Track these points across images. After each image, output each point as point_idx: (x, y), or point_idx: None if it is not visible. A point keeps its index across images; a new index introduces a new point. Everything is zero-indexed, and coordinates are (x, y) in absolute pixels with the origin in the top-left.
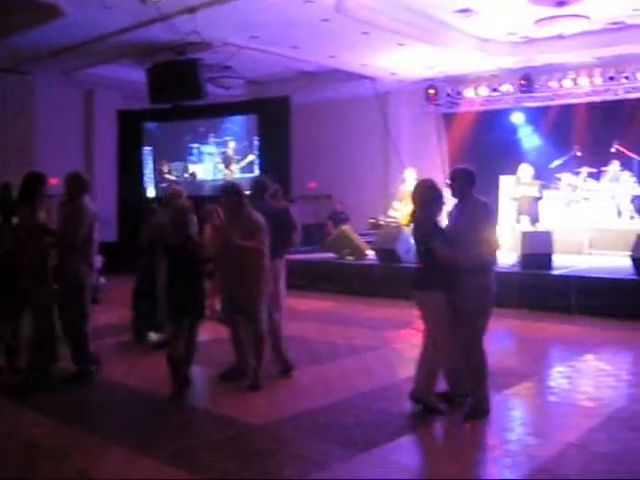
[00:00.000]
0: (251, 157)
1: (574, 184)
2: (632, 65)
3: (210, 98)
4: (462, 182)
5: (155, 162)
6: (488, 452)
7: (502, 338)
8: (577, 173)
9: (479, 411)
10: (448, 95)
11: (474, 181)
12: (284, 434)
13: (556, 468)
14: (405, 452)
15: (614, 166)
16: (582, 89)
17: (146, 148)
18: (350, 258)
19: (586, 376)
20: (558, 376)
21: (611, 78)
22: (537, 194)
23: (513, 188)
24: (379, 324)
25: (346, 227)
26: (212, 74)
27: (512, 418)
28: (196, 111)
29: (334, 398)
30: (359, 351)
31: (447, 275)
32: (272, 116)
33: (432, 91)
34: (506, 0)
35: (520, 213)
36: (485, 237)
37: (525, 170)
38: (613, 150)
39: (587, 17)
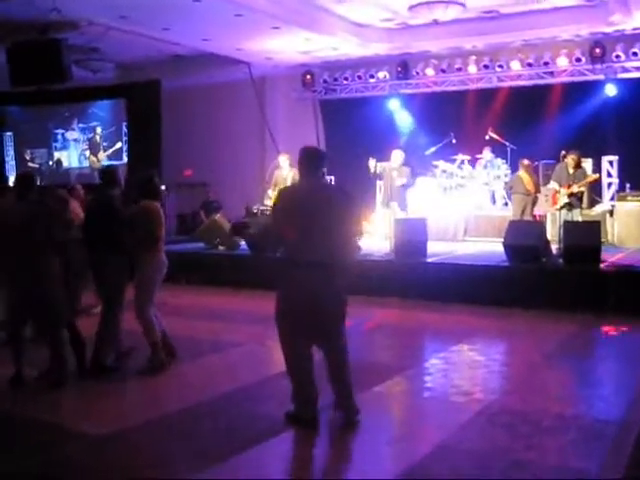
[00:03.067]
0: (119, 144)
1: (449, 171)
2: (506, 54)
3: (78, 82)
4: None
5: (16, 149)
6: (352, 458)
7: (375, 329)
8: (452, 160)
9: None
10: (325, 81)
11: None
12: (131, 445)
13: (424, 470)
14: (263, 461)
15: (488, 153)
16: (458, 77)
17: (7, 134)
18: (222, 248)
19: (458, 369)
20: (430, 369)
21: (486, 66)
22: (405, 181)
23: (385, 174)
24: (247, 318)
25: (218, 216)
26: (79, 56)
27: (380, 418)
28: (61, 95)
29: (193, 401)
30: (224, 348)
31: None
32: (142, 101)
33: (308, 77)
34: None
35: (389, 199)
36: None
37: (396, 156)
38: (487, 137)
39: (463, 4)
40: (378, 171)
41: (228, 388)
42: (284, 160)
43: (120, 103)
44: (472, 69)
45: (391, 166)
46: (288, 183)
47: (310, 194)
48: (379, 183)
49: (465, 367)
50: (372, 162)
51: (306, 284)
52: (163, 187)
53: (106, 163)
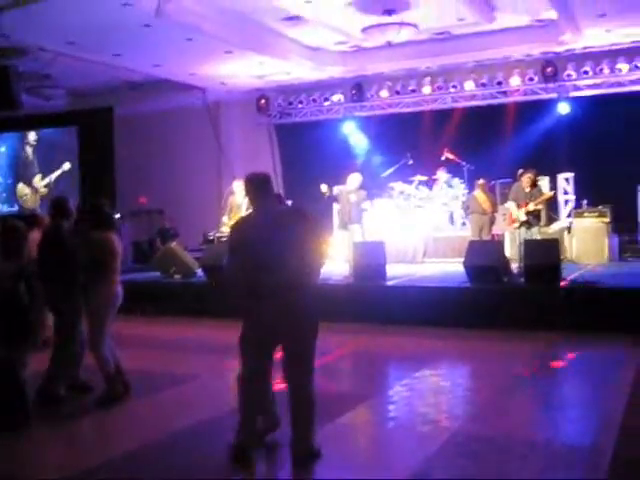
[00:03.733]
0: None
1: (407, 192)
2: (459, 74)
3: (30, 109)
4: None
5: None
6: None
7: (335, 356)
8: (410, 181)
9: None
10: (279, 105)
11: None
12: None
13: None
14: None
15: (443, 174)
16: (412, 98)
17: None
18: (178, 277)
19: (423, 395)
20: (394, 397)
21: (439, 87)
22: (362, 204)
23: (342, 197)
24: (204, 348)
25: (173, 244)
26: (31, 83)
27: (344, 451)
28: (11, 123)
29: (137, 443)
30: (179, 381)
31: None
32: (94, 128)
33: (263, 101)
34: (334, 9)
35: (347, 222)
36: None
37: (353, 179)
38: (443, 158)
39: (415, 26)
40: (334, 193)
41: (182, 425)
42: (238, 186)
43: (72, 131)
44: (426, 90)
45: (348, 189)
46: (243, 209)
47: (265, 221)
48: (335, 206)
49: (429, 393)
50: (324, 187)
51: (269, 313)
52: (117, 215)
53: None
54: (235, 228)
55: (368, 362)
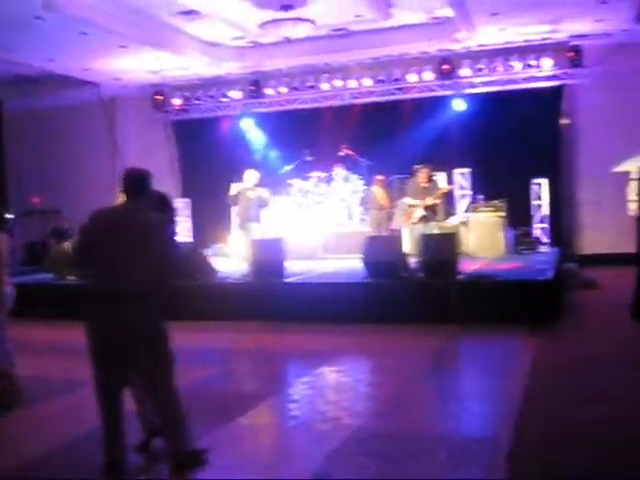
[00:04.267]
0: None
1: (305, 189)
2: (357, 71)
3: None
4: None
5: None
6: None
7: (235, 355)
8: (308, 178)
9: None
10: (176, 101)
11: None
12: None
13: None
14: None
15: (340, 170)
16: (310, 94)
17: None
18: (71, 278)
19: (324, 393)
20: (294, 395)
21: (338, 83)
22: (264, 197)
23: (240, 194)
24: None
25: (66, 244)
26: None
27: (242, 452)
28: None
29: (39, 450)
30: (76, 387)
31: None
32: None
33: (160, 97)
34: (231, 3)
35: (247, 220)
36: None
37: (250, 176)
38: (341, 154)
39: (313, 22)
40: (231, 193)
41: (78, 432)
42: None
43: None
44: (324, 86)
45: (245, 187)
46: None
47: (121, 219)
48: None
49: (331, 391)
50: (234, 187)
51: (105, 321)
52: (10, 215)
53: None
54: (94, 217)
55: (268, 360)
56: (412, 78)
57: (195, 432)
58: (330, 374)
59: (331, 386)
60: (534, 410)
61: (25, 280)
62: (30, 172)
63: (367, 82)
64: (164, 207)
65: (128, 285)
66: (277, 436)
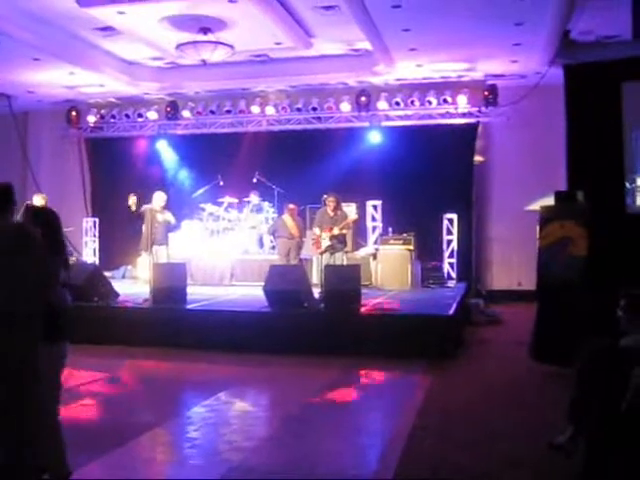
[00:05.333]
0: None
1: (216, 214)
2: (275, 98)
3: None
4: None
5: None
6: None
7: (124, 383)
8: (220, 203)
9: None
10: (91, 119)
11: None
12: None
13: None
14: None
15: (255, 197)
16: (227, 119)
17: None
18: None
19: (207, 425)
20: (175, 427)
21: (255, 109)
22: (172, 222)
23: (148, 216)
24: None
25: None
26: None
27: None
28: None
29: None
30: None
31: None
32: None
33: (74, 113)
34: (149, 22)
35: (154, 243)
36: None
37: (158, 198)
38: (255, 180)
39: (231, 46)
40: (140, 210)
41: None
42: (38, 200)
43: None
44: (242, 111)
45: (153, 208)
46: None
47: None
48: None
49: (214, 424)
50: (132, 198)
51: None
52: None
53: None
54: None
55: (156, 389)
56: (329, 108)
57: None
58: (218, 405)
59: (217, 418)
60: (419, 449)
61: None
62: None
63: (284, 109)
64: (41, 222)
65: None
66: (146, 471)
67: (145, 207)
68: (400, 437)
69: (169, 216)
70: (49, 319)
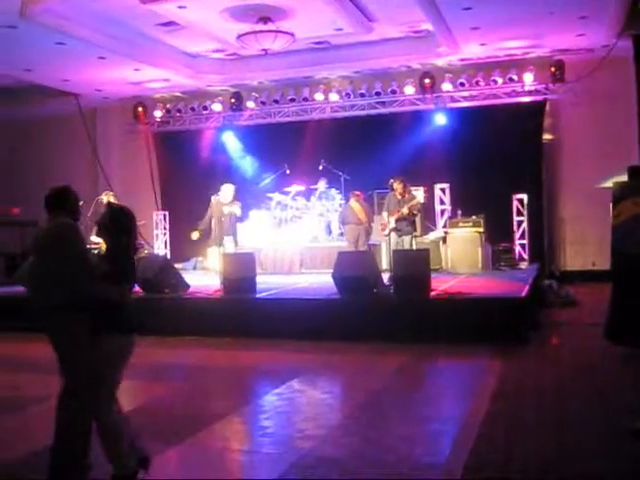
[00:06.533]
0: None
1: (284, 203)
2: (338, 84)
3: None
4: None
5: None
6: None
7: (198, 372)
8: (287, 192)
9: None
10: (158, 113)
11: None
12: None
13: None
14: None
15: (322, 184)
16: (291, 107)
17: None
18: None
19: (278, 414)
20: (248, 415)
21: (318, 97)
22: (237, 214)
23: (216, 208)
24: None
25: None
26: None
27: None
28: None
29: None
30: (25, 405)
31: None
32: None
33: (141, 109)
34: (210, 15)
35: (224, 234)
36: None
37: (227, 190)
38: (321, 168)
39: (292, 34)
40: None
41: (20, 453)
42: (108, 198)
43: None
44: (306, 99)
45: (221, 202)
46: None
47: (35, 237)
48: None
49: (286, 412)
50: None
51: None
52: None
53: None
54: None
55: (232, 377)
56: (393, 92)
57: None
58: (289, 394)
59: (288, 406)
60: (492, 435)
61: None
62: (12, 183)
63: (348, 95)
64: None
65: (40, 298)
66: (223, 458)
67: (212, 200)
68: (472, 423)
69: (235, 208)
70: (101, 314)
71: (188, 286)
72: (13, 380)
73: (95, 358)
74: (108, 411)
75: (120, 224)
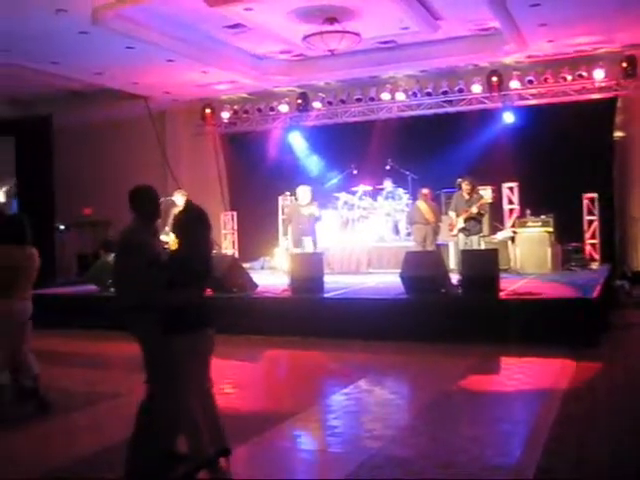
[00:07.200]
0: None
1: (351, 203)
2: (404, 83)
3: None
4: None
5: None
6: None
7: (266, 371)
8: (354, 192)
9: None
10: (225, 115)
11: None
12: None
13: None
14: None
15: (389, 184)
16: (358, 107)
17: None
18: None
19: (346, 414)
20: (316, 415)
21: (385, 96)
22: (316, 215)
23: (294, 210)
24: (132, 365)
25: (111, 257)
26: None
27: (250, 474)
28: None
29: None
30: (98, 400)
31: None
32: (32, 138)
33: (208, 110)
34: (276, 17)
35: (302, 235)
36: None
37: (304, 191)
38: (388, 167)
39: (358, 34)
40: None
41: (91, 450)
42: (179, 198)
43: (9, 140)
44: (372, 99)
45: (299, 204)
46: None
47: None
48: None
49: (354, 412)
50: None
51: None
52: (62, 226)
53: None
54: None
55: (297, 378)
56: (460, 90)
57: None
58: (358, 394)
59: (356, 406)
60: (565, 437)
61: (67, 291)
62: (82, 184)
63: (415, 94)
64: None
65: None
66: (287, 458)
67: (288, 206)
68: (544, 424)
69: (314, 209)
70: (171, 313)
71: (256, 285)
72: (88, 376)
73: (168, 356)
74: (186, 404)
75: (200, 223)
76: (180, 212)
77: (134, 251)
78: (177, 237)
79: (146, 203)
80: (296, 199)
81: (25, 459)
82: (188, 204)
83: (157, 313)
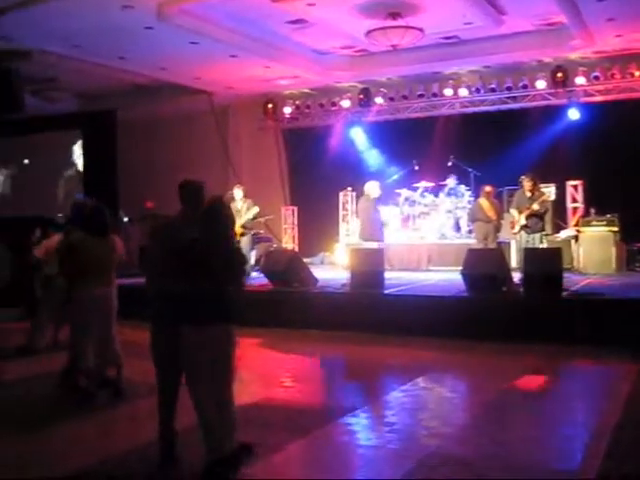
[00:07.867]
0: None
1: (412, 199)
2: (468, 79)
3: (35, 112)
4: None
5: None
6: None
7: (325, 366)
8: (416, 188)
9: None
10: (287, 110)
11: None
12: None
13: None
14: None
15: (452, 180)
16: (420, 103)
17: None
18: None
19: (404, 411)
20: (374, 412)
21: (448, 92)
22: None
23: (364, 205)
24: None
25: None
26: (36, 86)
27: (307, 468)
28: (12, 126)
29: (76, 464)
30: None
31: None
32: (97, 131)
33: (270, 105)
34: (339, 12)
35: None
36: None
37: (374, 187)
38: (450, 164)
39: (421, 30)
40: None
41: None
42: (237, 192)
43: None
44: (435, 95)
45: (370, 198)
46: (243, 215)
47: None
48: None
49: (412, 409)
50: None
51: None
52: (126, 219)
53: None
54: None
55: (354, 374)
56: (525, 86)
57: (273, 443)
58: (415, 392)
59: (414, 404)
60: (627, 441)
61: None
62: (146, 178)
63: (478, 90)
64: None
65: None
66: (346, 454)
67: (362, 197)
68: (605, 430)
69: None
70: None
71: (317, 280)
72: (143, 366)
73: (184, 348)
74: (206, 399)
75: (224, 214)
76: (207, 203)
77: (160, 240)
78: (199, 231)
79: (192, 196)
80: (365, 194)
81: (92, 443)
82: (211, 198)
83: (170, 304)
